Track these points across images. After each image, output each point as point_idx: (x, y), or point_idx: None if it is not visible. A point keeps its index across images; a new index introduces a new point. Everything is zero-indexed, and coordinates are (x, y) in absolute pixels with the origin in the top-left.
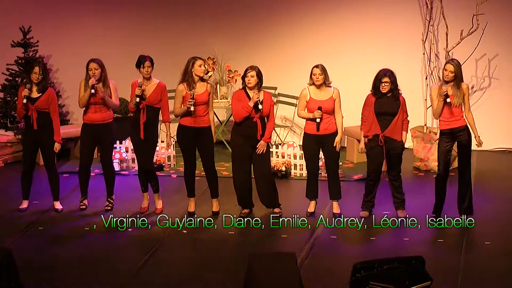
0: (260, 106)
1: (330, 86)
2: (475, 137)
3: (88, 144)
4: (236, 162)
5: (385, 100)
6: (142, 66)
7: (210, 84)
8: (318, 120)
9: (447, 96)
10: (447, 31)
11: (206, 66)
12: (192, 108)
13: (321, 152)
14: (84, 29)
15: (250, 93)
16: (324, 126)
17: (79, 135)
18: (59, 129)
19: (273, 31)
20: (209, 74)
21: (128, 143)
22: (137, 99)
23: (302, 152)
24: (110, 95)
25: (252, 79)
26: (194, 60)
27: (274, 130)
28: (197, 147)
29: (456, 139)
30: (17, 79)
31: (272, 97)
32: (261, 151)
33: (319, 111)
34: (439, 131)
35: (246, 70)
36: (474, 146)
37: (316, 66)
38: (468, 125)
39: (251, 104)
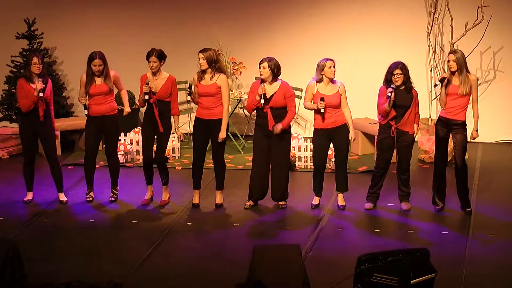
0: (262, 101)
1: (335, 82)
2: (473, 128)
3: (93, 136)
4: (255, 153)
5: (398, 93)
6: (148, 60)
7: (222, 78)
8: (322, 110)
9: (443, 79)
10: (452, 23)
11: (205, 58)
12: (188, 98)
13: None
14: (88, 21)
15: (261, 85)
16: (332, 119)
17: (84, 127)
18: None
19: (278, 23)
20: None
21: (133, 135)
22: (146, 97)
23: (306, 144)
24: (112, 87)
25: (264, 71)
26: (198, 53)
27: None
28: (210, 139)
29: (451, 131)
30: (21, 71)
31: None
32: (276, 131)
33: (322, 102)
34: (437, 116)
35: (260, 62)
36: (480, 139)
37: (331, 60)
38: (466, 121)
39: (257, 97)
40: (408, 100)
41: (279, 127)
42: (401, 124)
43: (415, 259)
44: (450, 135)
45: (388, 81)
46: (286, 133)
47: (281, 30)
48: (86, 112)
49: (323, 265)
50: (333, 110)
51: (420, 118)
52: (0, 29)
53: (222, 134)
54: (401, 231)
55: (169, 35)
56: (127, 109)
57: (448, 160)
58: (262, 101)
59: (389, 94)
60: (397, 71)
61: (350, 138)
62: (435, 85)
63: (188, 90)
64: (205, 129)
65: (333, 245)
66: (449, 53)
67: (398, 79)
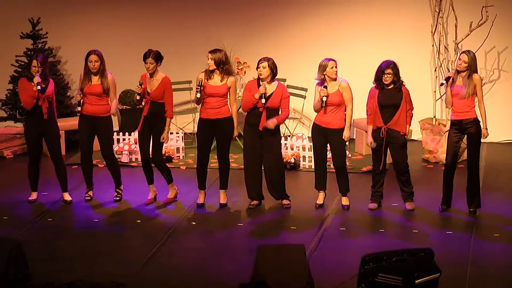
0: (263, 100)
1: (335, 79)
2: (482, 128)
3: (86, 134)
4: (246, 152)
5: (388, 92)
6: (144, 62)
7: (232, 79)
8: (324, 98)
9: (448, 78)
10: (456, 22)
11: (213, 59)
12: (198, 95)
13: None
14: (92, 20)
15: (262, 84)
16: (328, 119)
17: None
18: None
19: (282, 23)
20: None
21: (137, 134)
22: (137, 97)
23: (310, 144)
24: (108, 87)
25: (263, 70)
26: (208, 52)
27: (284, 122)
28: (215, 137)
29: (465, 131)
30: (24, 71)
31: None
32: (269, 126)
33: (324, 89)
34: (449, 121)
35: (259, 61)
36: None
37: (333, 60)
38: (478, 117)
39: (256, 96)
40: (398, 98)
41: (274, 121)
42: (391, 124)
43: (419, 259)
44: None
45: (378, 79)
46: (277, 132)
47: (284, 30)
48: (79, 108)
49: (327, 265)
50: (333, 109)
51: (423, 118)
52: (5, 29)
53: (236, 132)
54: (405, 231)
55: (173, 35)
56: (112, 110)
57: (460, 160)
58: (263, 100)
59: (325, 99)
60: (388, 70)
61: (343, 137)
62: (441, 84)
63: (199, 87)
64: (211, 128)
65: (337, 245)
66: (462, 52)
67: (388, 78)
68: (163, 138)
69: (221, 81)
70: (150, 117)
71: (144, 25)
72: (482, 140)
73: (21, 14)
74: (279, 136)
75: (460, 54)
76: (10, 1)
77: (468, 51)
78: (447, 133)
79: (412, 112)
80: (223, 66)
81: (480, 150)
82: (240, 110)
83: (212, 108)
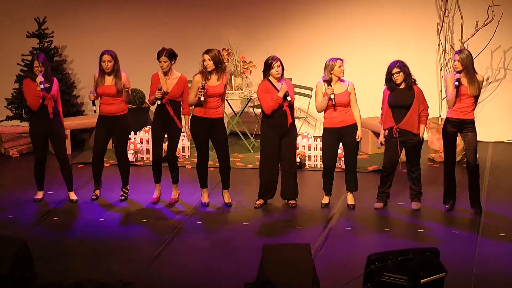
0: (288, 98)
1: (343, 80)
2: None
3: (103, 134)
4: (266, 153)
5: (399, 93)
6: (158, 60)
7: (226, 76)
8: (332, 96)
9: (459, 82)
10: (462, 22)
11: (212, 59)
12: (202, 98)
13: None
14: (98, 20)
15: (276, 83)
16: (341, 118)
17: (94, 126)
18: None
19: (288, 22)
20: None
21: (142, 133)
22: (158, 102)
23: (316, 143)
24: (121, 87)
25: (279, 69)
26: (203, 54)
27: None
28: (211, 138)
29: (463, 130)
30: (27, 72)
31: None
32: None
33: (330, 87)
34: (445, 118)
35: (271, 62)
36: (486, 137)
37: (340, 59)
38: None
39: (281, 95)
40: (409, 98)
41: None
42: (403, 124)
43: (425, 258)
44: (458, 134)
45: (388, 80)
46: (295, 131)
47: (289, 29)
48: (94, 108)
49: (333, 264)
50: (342, 109)
51: (429, 117)
52: (11, 28)
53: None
54: (411, 230)
55: (179, 34)
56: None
57: (458, 159)
58: (289, 98)
59: (332, 97)
60: (396, 69)
61: (356, 138)
62: (458, 85)
63: (202, 90)
64: (208, 127)
65: (343, 244)
66: (455, 52)
67: (397, 77)
68: (188, 135)
69: (217, 80)
70: (167, 116)
71: (150, 25)
72: (486, 139)
73: (27, 13)
74: (296, 134)
75: (454, 55)
76: (16, 0)
77: (460, 50)
78: (442, 128)
79: (428, 111)
80: (221, 65)
81: (477, 150)
82: (246, 109)
83: (213, 108)
